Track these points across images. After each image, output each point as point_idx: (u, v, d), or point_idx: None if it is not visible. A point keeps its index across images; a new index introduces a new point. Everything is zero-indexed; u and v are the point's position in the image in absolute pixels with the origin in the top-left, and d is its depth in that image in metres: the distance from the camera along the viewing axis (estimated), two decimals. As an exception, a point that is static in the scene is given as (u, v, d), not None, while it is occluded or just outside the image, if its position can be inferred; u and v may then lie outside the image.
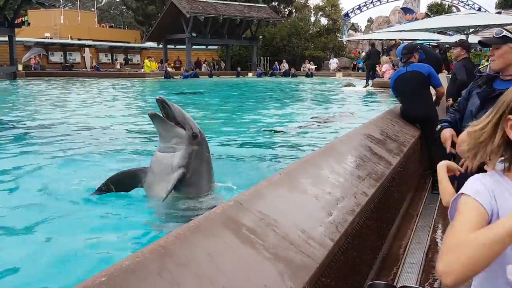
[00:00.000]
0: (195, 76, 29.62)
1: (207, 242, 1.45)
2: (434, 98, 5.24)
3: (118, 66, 33.52)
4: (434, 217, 3.94)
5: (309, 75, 32.47)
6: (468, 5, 43.88)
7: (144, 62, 32.93)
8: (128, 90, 20.58)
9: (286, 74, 33.12)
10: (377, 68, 18.79)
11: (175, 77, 29.10)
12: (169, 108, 3.57)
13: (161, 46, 35.55)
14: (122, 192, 3.81)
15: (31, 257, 2.96)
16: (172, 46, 36.08)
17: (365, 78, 20.33)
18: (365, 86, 19.23)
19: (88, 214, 3.61)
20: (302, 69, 34.27)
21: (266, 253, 1.57)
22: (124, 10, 61.43)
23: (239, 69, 33.16)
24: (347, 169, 2.77)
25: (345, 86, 21.01)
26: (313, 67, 34.28)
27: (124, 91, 19.79)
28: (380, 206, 2.88)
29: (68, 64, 33.01)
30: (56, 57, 33.48)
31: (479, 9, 38.19)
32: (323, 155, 2.84)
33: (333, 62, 34.98)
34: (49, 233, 3.30)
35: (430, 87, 5.08)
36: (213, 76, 31.12)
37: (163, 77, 28.67)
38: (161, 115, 3.60)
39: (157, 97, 3.54)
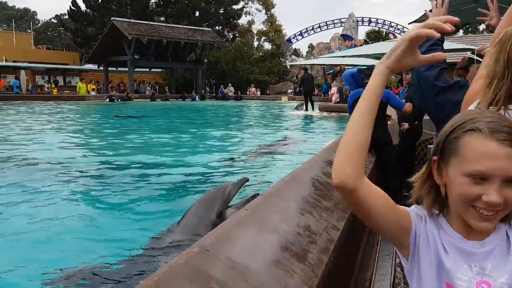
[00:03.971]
0: (127, 99, 29.00)
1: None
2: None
3: (46, 89, 32.39)
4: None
5: (238, 98, 32.89)
6: (404, 32, 46.24)
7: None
8: (65, 113, 19.59)
9: (217, 97, 33.57)
10: (329, 92, 19.19)
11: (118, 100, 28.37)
12: None
13: (101, 68, 34.44)
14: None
15: None
16: (114, 68, 35.06)
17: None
18: (306, 110, 19.48)
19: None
20: (247, 93, 34.47)
21: (241, 313, 1.29)
22: (62, 31, 59.41)
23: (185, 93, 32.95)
24: (315, 200, 2.55)
25: (296, 109, 21.19)
26: (258, 92, 34.63)
27: (61, 115, 18.80)
28: (348, 239, 2.69)
29: (1, 87, 31.19)
30: (-12, 80, 31.52)
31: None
32: (288, 185, 2.61)
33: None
34: None
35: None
36: (156, 100, 30.59)
37: (104, 100, 27.81)
38: None
39: None
